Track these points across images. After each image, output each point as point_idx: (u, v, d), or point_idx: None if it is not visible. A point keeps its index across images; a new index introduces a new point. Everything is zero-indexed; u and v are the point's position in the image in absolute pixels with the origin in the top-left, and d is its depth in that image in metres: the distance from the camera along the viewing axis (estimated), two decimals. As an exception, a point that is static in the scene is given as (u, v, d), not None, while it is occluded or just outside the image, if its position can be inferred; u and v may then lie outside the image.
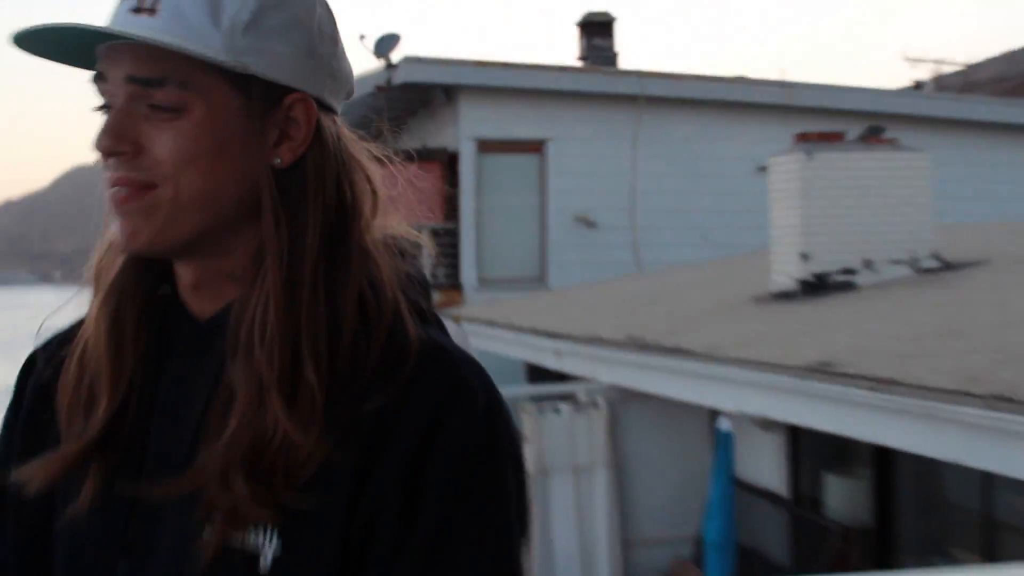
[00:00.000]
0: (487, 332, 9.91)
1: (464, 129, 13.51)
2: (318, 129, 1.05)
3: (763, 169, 9.50)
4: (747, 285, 8.79)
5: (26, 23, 1.03)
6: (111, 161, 1.01)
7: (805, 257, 7.66)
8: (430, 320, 1.09)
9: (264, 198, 1.03)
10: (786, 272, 7.83)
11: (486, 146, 13.55)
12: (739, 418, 6.75)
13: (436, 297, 12.18)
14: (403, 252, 1.11)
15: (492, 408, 1.02)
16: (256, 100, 1.02)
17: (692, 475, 8.12)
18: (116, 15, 1.01)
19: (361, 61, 12.81)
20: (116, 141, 0.99)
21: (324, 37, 1.06)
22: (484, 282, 13.39)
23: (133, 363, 1.05)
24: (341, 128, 1.09)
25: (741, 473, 7.50)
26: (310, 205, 1.03)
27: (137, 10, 0.98)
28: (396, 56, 13.06)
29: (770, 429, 6.71)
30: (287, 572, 0.96)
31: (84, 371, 1.06)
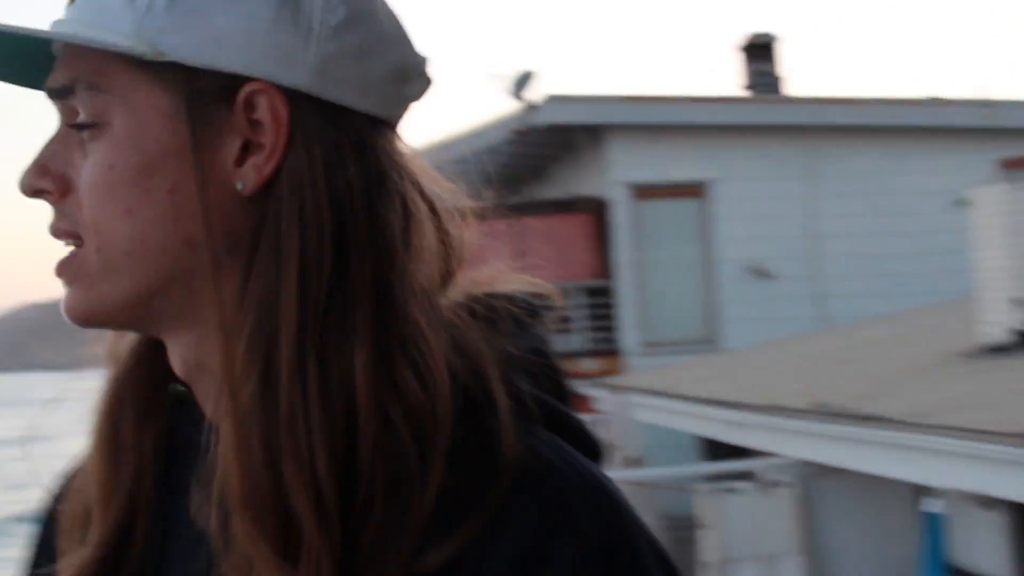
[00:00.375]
0: (652, 403, 9.78)
1: (614, 173, 13.52)
2: (303, 132, 0.82)
3: (963, 202, 9.32)
4: (951, 338, 8.66)
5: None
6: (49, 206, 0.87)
7: (1019, 303, 7.45)
8: (548, 417, 0.86)
9: (213, 242, 0.82)
10: (996, 322, 7.62)
11: (641, 191, 13.56)
12: (951, 495, 6.49)
13: (592, 365, 12.44)
14: (520, 321, 0.89)
15: (614, 558, 0.79)
16: (197, 99, 0.82)
17: (897, 561, 7.83)
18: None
19: (492, 104, 13.32)
20: (36, 176, 0.85)
21: (316, 5, 0.83)
22: (647, 345, 13.38)
23: (133, 475, 0.89)
24: (381, 140, 0.86)
25: (956, 558, 7.15)
26: (286, 248, 0.80)
27: (71, 3, 0.85)
28: (534, 95, 13.30)
29: (990, 507, 6.43)
30: None
31: (85, 488, 0.93)
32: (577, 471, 0.81)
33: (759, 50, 16.59)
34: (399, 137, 0.87)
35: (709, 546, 7.42)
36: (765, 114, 14.19)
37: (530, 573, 0.76)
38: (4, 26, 0.80)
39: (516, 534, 0.77)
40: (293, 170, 0.80)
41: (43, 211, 0.89)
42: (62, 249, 0.86)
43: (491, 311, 0.87)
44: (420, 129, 0.95)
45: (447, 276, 0.86)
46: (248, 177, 0.80)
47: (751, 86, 16.39)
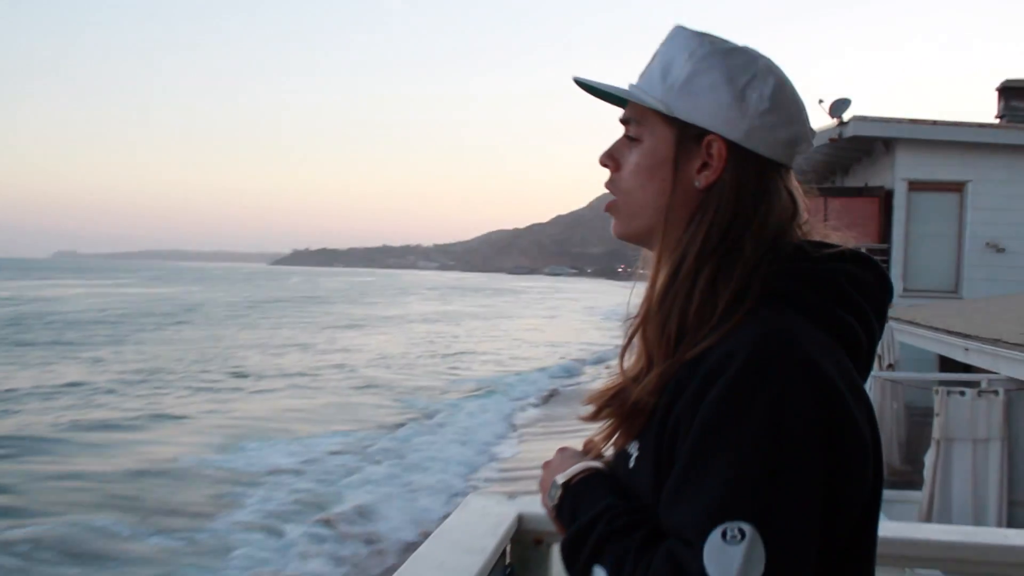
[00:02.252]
0: (908, 329, 10.27)
1: (899, 172, 14.50)
2: (733, 164, 1.21)
3: None
4: None
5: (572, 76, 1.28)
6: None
7: None
8: (797, 305, 1.16)
9: (675, 210, 1.23)
10: None
11: (915, 186, 14.56)
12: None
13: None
14: (844, 257, 1.22)
15: (762, 373, 1.07)
16: (684, 137, 1.23)
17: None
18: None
19: (819, 120, 14.52)
20: (605, 158, 1.30)
21: (753, 98, 1.21)
22: (907, 291, 14.20)
23: None
24: (775, 172, 1.24)
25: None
26: (710, 216, 1.20)
27: (640, 76, 1.28)
28: (846, 116, 14.37)
29: None
30: (639, 467, 1.21)
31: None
32: (781, 329, 1.13)
33: (1014, 92, 17.57)
34: (788, 170, 1.26)
35: (939, 429, 8.07)
36: (1011, 137, 14.59)
37: (718, 371, 1.10)
38: (612, 87, 1.29)
39: (720, 351, 1.12)
40: (724, 182, 1.21)
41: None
42: (604, 197, 1.33)
43: (816, 248, 1.22)
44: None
45: (791, 233, 1.23)
46: (701, 180, 1.21)
47: (1003, 116, 17.35)
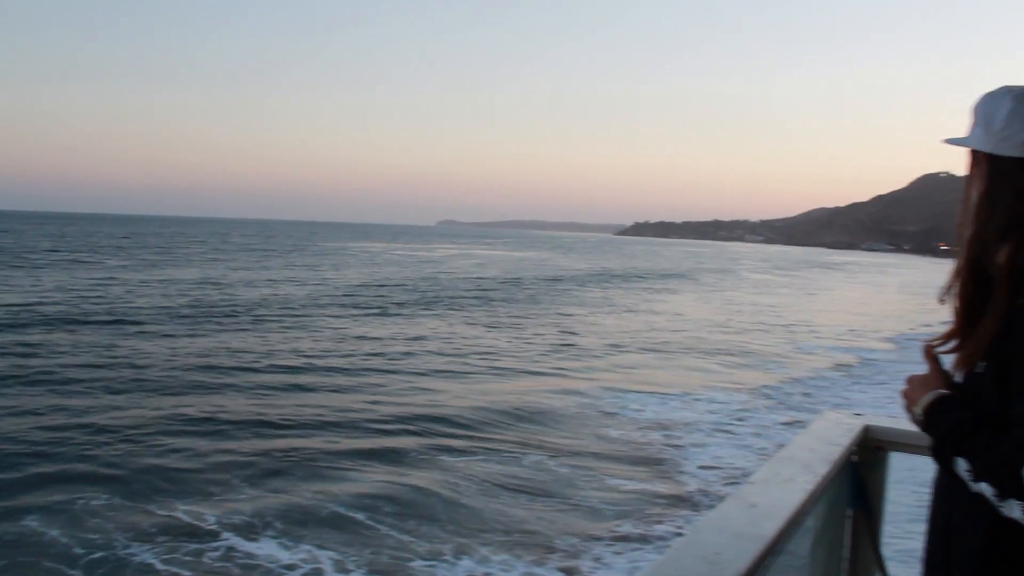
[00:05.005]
0: None
1: None
2: (995, 168, 1.62)
3: None
4: None
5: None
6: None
7: None
8: None
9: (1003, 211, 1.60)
10: None
11: None
12: None
13: None
14: None
15: None
16: (1000, 168, 1.61)
17: None
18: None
19: None
20: (966, 182, 1.71)
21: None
22: None
23: None
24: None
25: None
26: (989, 204, 1.62)
27: (971, 127, 1.67)
28: None
29: None
30: (985, 379, 1.56)
31: None
32: None
33: None
34: None
35: None
36: None
37: (1013, 325, 1.51)
38: (959, 140, 1.71)
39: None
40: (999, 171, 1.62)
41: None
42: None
43: None
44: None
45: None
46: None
47: None
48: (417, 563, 8.66)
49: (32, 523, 9.35)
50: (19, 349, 19.90)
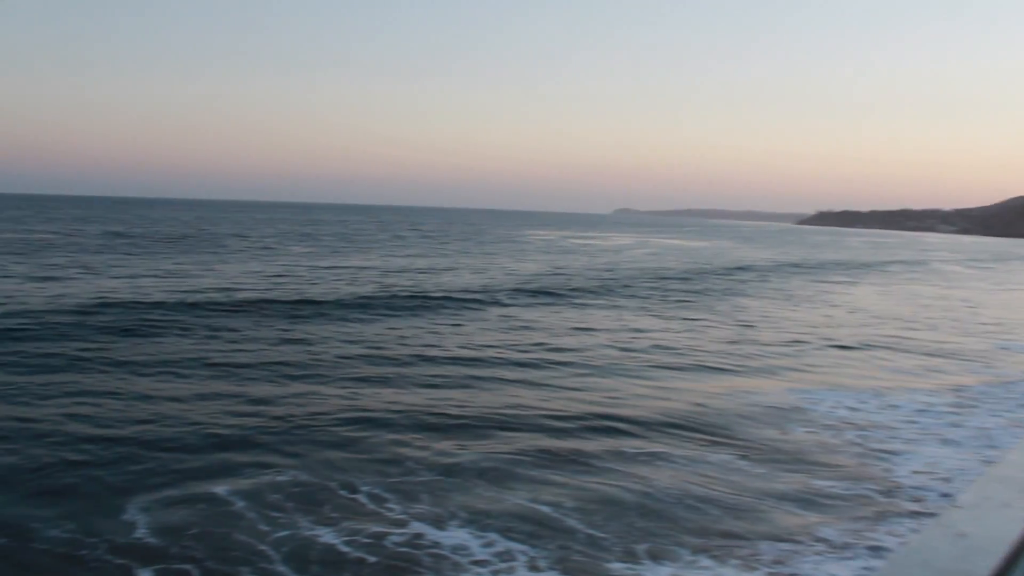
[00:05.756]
0: None
1: None
2: None
3: None
4: None
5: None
6: None
7: None
8: None
9: None
10: None
11: None
12: None
13: None
14: None
15: None
16: None
17: None
18: None
19: None
20: None
21: None
22: None
23: None
24: None
25: None
26: None
27: None
28: None
29: None
30: None
31: None
32: None
33: None
34: None
35: None
36: None
37: None
38: None
39: None
40: None
41: None
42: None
43: None
44: None
45: None
46: None
47: None
48: (613, 564, 8.43)
49: (221, 493, 9.86)
50: (227, 335, 21.17)
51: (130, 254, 46.49)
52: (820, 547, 8.85)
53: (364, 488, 10.14)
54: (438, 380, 16.47)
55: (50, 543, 8.41)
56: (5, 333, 19.43)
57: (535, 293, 33.51)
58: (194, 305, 25.12)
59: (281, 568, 8.11)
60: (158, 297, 26.57)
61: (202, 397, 14.34)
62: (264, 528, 8.92)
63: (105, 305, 24.22)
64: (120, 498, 9.57)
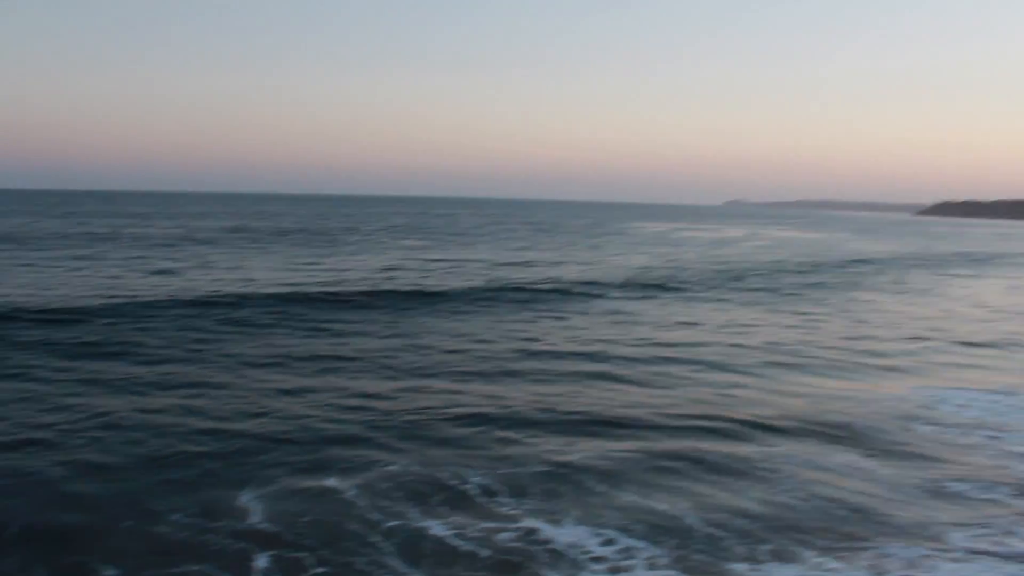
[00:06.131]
0: None
1: None
2: None
3: None
4: None
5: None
6: None
7: None
8: None
9: None
10: None
11: None
12: None
13: None
14: None
15: None
16: None
17: None
18: None
19: None
20: None
21: None
22: None
23: None
24: None
25: None
26: None
27: None
28: None
29: None
30: None
31: None
32: None
33: None
34: None
35: None
36: None
37: None
38: None
39: None
40: None
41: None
42: None
43: None
44: None
45: None
46: None
47: None
48: (735, 565, 8.19)
49: (332, 485, 9.99)
50: (338, 327, 21.55)
51: (247, 248, 47.89)
52: (953, 552, 8.39)
53: (474, 482, 10.10)
54: (546, 375, 16.29)
55: (173, 527, 8.71)
56: (134, 321, 20.22)
57: (644, 287, 32.98)
58: (306, 297, 25.62)
59: (393, 558, 8.15)
60: (270, 290, 27.17)
61: (311, 391, 14.55)
62: (375, 518, 9.00)
63: (215, 299, 24.92)
64: (236, 488, 9.80)
